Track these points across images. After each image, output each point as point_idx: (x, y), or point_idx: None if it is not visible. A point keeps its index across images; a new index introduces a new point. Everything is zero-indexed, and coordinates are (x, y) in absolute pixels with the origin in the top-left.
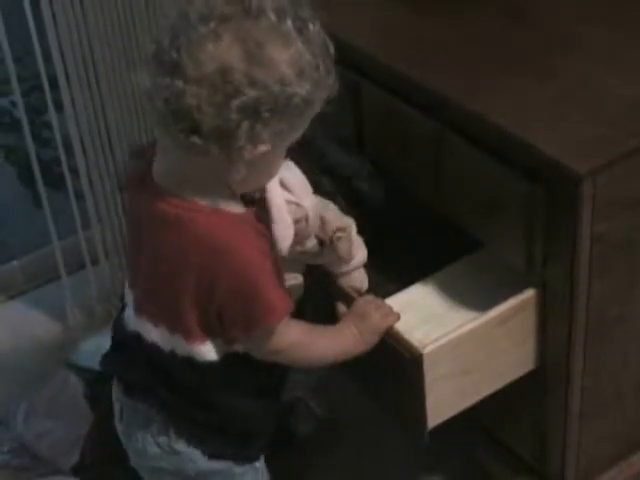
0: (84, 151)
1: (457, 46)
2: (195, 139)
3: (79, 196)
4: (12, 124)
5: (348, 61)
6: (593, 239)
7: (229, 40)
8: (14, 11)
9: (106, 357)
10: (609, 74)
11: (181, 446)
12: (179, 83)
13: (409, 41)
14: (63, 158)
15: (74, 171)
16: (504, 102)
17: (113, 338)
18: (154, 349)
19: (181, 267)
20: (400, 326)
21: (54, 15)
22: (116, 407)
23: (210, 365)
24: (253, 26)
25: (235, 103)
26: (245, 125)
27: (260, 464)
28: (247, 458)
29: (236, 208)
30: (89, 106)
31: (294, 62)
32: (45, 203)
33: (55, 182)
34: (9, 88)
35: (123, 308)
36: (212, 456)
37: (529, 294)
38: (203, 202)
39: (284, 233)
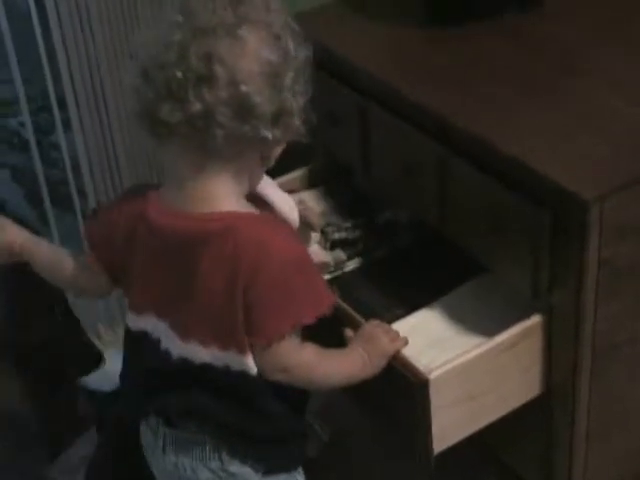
0: (91, 172)
1: (464, 71)
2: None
3: (86, 217)
4: (20, 144)
5: (355, 85)
6: (600, 264)
7: (257, 40)
8: (23, 32)
9: (131, 398)
10: (615, 97)
11: (235, 467)
12: (225, 90)
13: (416, 66)
14: (71, 179)
15: (82, 192)
16: (510, 127)
17: (133, 377)
18: (204, 370)
19: (233, 277)
20: (406, 351)
21: (63, 36)
22: (151, 441)
23: (260, 375)
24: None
25: (283, 97)
26: (284, 119)
27: (300, 474)
28: (294, 467)
29: (255, 209)
30: (97, 127)
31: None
32: (52, 223)
33: (62, 203)
34: (17, 108)
35: (135, 344)
36: (266, 472)
37: (535, 319)
38: (235, 209)
39: (292, 216)
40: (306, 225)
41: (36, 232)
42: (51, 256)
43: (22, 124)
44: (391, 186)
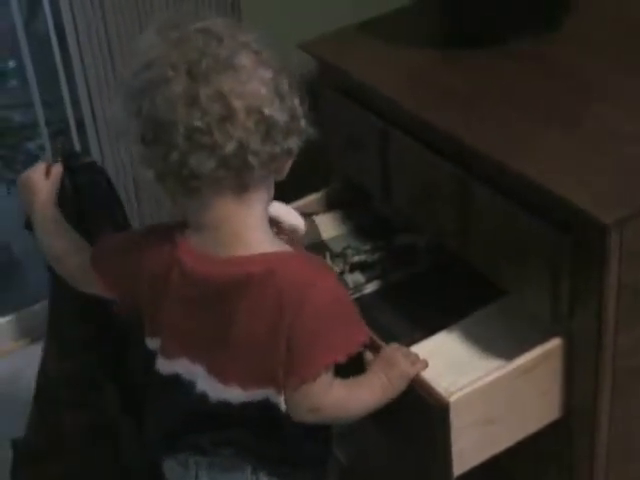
0: None
1: (482, 95)
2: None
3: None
4: None
5: (376, 108)
6: (620, 288)
7: (251, 62)
8: (43, 55)
9: (156, 439)
10: (633, 122)
11: None
12: (249, 120)
13: (435, 89)
14: None
15: None
16: (531, 151)
17: (160, 419)
18: (242, 408)
19: (276, 320)
20: (426, 374)
21: (82, 60)
22: (180, 474)
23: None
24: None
25: (289, 104)
26: (295, 124)
27: None
28: None
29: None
30: (115, 151)
31: None
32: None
33: None
34: (36, 132)
35: (165, 387)
36: None
37: (555, 343)
38: (270, 246)
39: (299, 225)
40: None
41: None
42: (62, 242)
43: (41, 147)
44: (411, 210)
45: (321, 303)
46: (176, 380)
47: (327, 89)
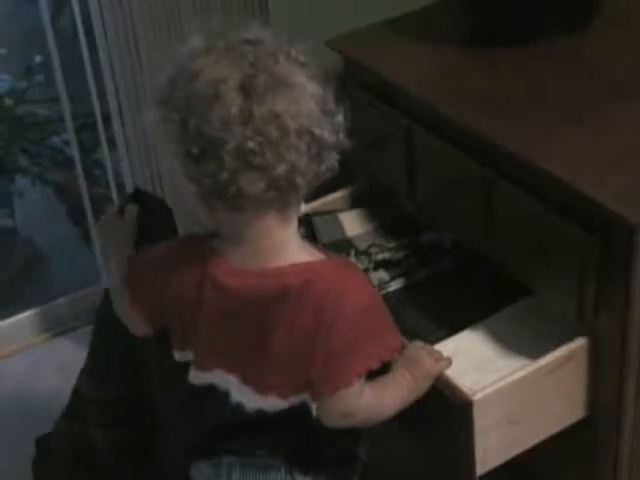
0: None
1: (510, 94)
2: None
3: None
4: (64, 162)
5: (401, 106)
6: None
7: (302, 79)
8: (69, 50)
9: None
10: None
11: None
12: (301, 141)
13: (463, 87)
14: (115, 198)
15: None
16: (558, 150)
17: (191, 430)
18: (278, 415)
19: (315, 330)
20: (449, 372)
21: (110, 55)
22: (211, 473)
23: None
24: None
25: (336, 121)
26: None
27: None
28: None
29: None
30: (141, 145)
31: None
32: (95, 241)
33: None
34: (60, 126)
35: (198, 397)
36: None
37: (580, 343)
38: (304, 256)
39: None
40: None
41: (78, 248)
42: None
43: (66, 142)
44: (436, 208)
45: (355, 311)
46: (210, 390)
47: (353, 86)
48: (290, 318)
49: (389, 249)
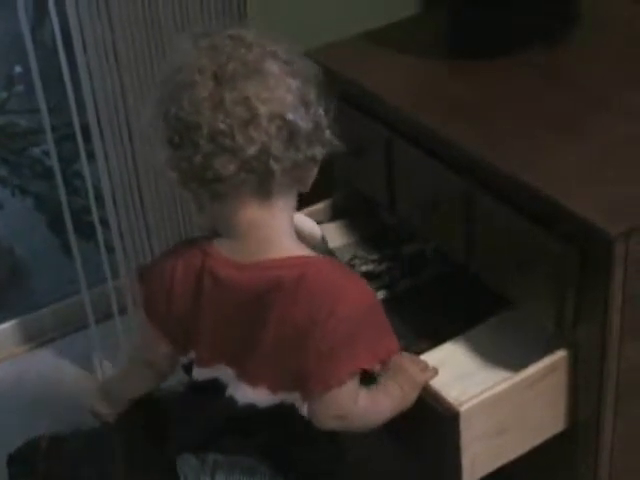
0: (114, 202)
1: (490, 105)
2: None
3: (109, 246)
4: (43, 173)
5: (381, 117)
6: (625, 300)
7: (279, 69)
8: (49, 61)
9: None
10: None
11: None
12: (272, 124)
13: (442, 99)
14: (94, 209)
15: (104, 221)
16: (537, 161)
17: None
18: (267, 411)
19: (308, 324)
20: (435, 384)
21: (88, 66)
22: (195, 465)
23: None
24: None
25: (315, 113)
26: (319, 134)
27: None
28: None
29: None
30: (121, 157)
31: None
32: (75, 252)
33: (85, 231)
34: (41, 137)
35: (200, 392)
36: None
37: (561, 354)
38: (298, 251)
39: (316, 232)
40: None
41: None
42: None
43: (46, 153)
44: (416, 219)
45: (352, 308)
46: (213, 383)
47: (333, 97)
48: (282, 310)
49: (372, 261)
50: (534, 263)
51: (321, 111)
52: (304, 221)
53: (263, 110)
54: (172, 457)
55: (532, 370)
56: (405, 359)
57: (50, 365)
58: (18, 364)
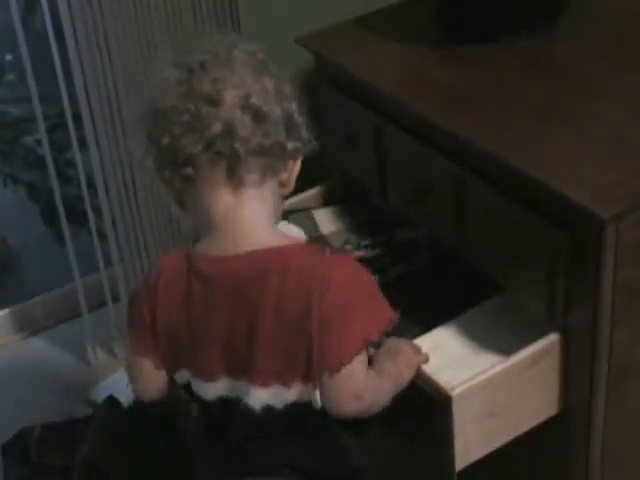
0: (107, 191)
1: (479, 92)
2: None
3: (101, 234)
4: (36, 162)
5: (371, 104)
6: (615, 285)
7: (250, 60)
8: (40, 51)
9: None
10: (631, 119)
11: None
12: (237, 106)
13: (432, 85)
14: (86, 197)
15: (97, 209)
16: (528, 146)
17: (213, 447)
18: (287, 411)
19: (304, 306)
20: (427, 369)
21: (80, 55)
22: None
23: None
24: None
25: (288, 106)
26: (294, 130)
27: None
28: None
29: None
30: (113, 145)
31: None
32: (68, 240)
33: (77, 220)
34: (33, 126)
35: (213, 413)
36: None
37: (553, 338)
38: (279, 239)
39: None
40: None
41: (51, 248)
42: None
43: (38, 142)
44: (407, 205)
45: (343, 282)
46: (222, 403)
47: (323, 84)
48: (276, 298)
49: (364, 246)
50: (525, 247)
51: (294, 105)
52: (290, 229)
53: (229, 94)
54: None
55: (524, 354)
56: (400, 340)
57: (43, 354)
58: (11, 353)
